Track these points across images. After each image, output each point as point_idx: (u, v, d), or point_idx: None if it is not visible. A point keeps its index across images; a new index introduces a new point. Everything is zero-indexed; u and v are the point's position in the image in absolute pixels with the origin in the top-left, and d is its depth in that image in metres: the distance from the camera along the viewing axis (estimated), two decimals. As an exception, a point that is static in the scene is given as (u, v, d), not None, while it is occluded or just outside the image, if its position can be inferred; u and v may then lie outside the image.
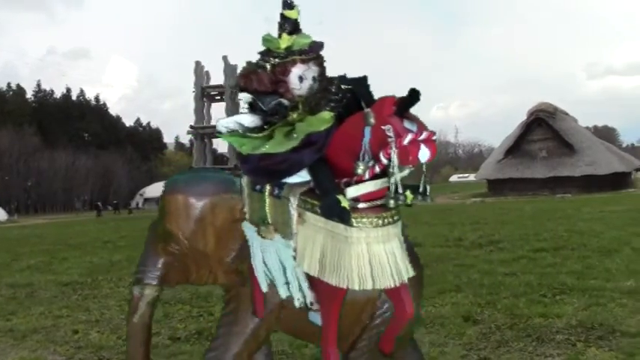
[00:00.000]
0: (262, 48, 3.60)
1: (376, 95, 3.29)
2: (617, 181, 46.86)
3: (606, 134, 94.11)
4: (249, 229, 3.85)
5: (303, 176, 3.50)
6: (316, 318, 3.81)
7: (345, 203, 3.15)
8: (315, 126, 3.32)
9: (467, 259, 12.58)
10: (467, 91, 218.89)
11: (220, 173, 4.12)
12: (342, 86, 3.41)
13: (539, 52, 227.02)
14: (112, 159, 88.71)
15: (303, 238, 3.50)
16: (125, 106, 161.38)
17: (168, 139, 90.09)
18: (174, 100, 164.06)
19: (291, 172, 3.48)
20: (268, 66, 3.51)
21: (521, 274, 10.23)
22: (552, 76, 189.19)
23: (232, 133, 3.61)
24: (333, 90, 3.42)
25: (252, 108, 3.62)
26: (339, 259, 3.28)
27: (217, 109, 70.17)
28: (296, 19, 3.60)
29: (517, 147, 48.43)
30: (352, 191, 3.21)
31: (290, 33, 3.54)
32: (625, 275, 9.64)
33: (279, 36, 3.56)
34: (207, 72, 68.77)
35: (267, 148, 3.38)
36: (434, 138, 3.05)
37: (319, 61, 3.58)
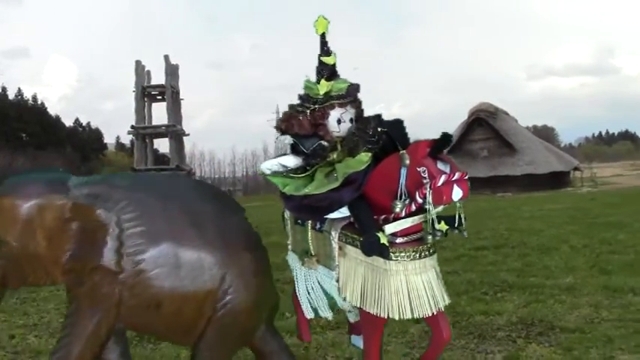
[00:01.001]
0: (302, 92, 3.86)
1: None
2: (556, 180, 47.94)
3: (546, 134, 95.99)
4: (293, 260, 4.27)
5: (343, 212, 3.72)
6: (358, 341, 4.04)
7: (384, 240, 3.41)
8: (353, 167, 3.53)
9: (411, 258, 12.63)
10: (409, 92, 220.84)
11: (51, 174, 4.14)
12: (379, 129, 3.62)
13: (480, 53, 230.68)
14: (51, 160, 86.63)
15: (344, 269, 3.75)
16: (65, 106, 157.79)
17: (109, 139, 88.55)
18: (115, 100, 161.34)
19: (332, 210, 3.71)
20: (308, 111, 3.75)
21: (463, 272, 10.41)
22: (493, 76, 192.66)
23: (276, 173, 3.86)
24: (370, 132, 3.62)
25: (294, 150, 3.87)
26: (379, 290, 3.53)
27: (158, 109, 69.44)
28: (333, 64, 3.84)
29: (458, 147, 49.03)
30: (391, 228, 3.46)
31: (328, 78, 3.77)
32: (563, 272, 9.92)
33: (318, 81, 3.78)
34: (148, 71, 67.87)
35: (310, 189, 3.64)
36: (466, 177, 3.31)
37: (356, 104, 3.82)
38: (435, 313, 3.56)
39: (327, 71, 3.83)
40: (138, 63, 66.62)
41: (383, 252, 3.43)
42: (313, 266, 4.01)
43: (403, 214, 3.41)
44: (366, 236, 3.48)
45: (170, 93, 66.43)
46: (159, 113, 69.30)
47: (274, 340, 4.41)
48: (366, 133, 3.63)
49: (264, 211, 38.79)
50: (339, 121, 3.75)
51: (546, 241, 13.91)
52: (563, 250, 12.39)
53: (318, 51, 3.92)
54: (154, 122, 68.54)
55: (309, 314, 4.24)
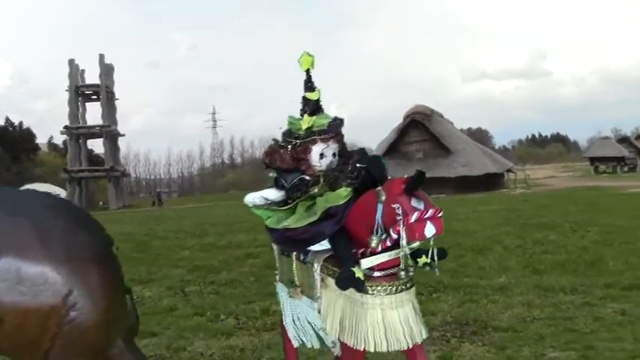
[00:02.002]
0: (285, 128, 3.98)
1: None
2: (490, 181, 48.90)
3: (480, 136, 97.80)
4: (281, 290, 4.36)
5: (325, 244, 3.79)
6: None
7: (359, 274, 3.46)
8: (332, 202, 3.61)
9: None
10: (345, 94, 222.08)
11: None
12: (358, 165, 3.72)
13: (416, 56, 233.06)
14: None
15: (326, 301, 3.81)
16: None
17: (41, 139, 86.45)
18: (49, 100, 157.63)
19: (313, 242, 3.79)
20: (289, 146, 3.86)
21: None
22: (429, 79, 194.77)
23: (258, 206, 3.96)
24: (349, 168, 3.73)
25: (277, 183, 3.99)
26: (356, 322, 3.58)
27: (93, 109, 68.42)
28: (317, 100, 3.97)
29: (394, 149, 49.54)
30: (367, 262, 3.50)
31: (311, 113, 3.88)
32: (497, 272, 10.15)
33: (302, 116, 3.91)
34: (82, 70, 66.90)
35: (289, 222, 3.73)
36: (440, 215, 3.35)
37: (338, 138, 3.92)
38: (411, 347, 3.60)
39: (310, 107, 3.94)
40: (71, 62, 65.56)
41: (358, 286, 3.48)
42: (297, 297, 4.08)
43: (379, 248, 3.46)
44: (342, 270, 3.55)
45: (105, 93, 65.61)
46: (93, 113, 68.38)
47: (132, 356, 4.34)
48: (347, 170, 3.72)
49: (199, 213, 38.59)
50: (321, 156, 3.84)
51: (480, 242, 14.19)
52: (497, 250, 12.66)
53: (298, 87, 4.06)
54: (88, 122, 67.58)
55: (296, 342, 4.29)
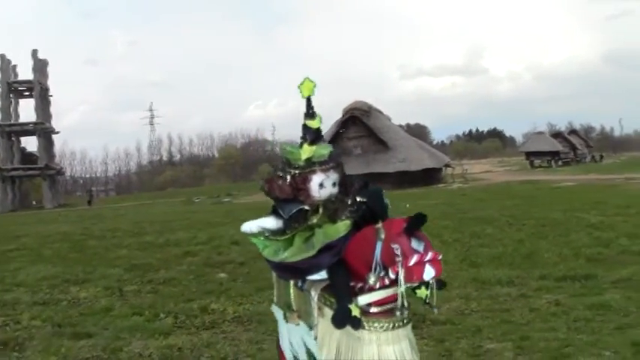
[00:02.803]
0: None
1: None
2: (429, 176, 49.51)
3: (418, 132, 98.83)
4: (277, 312, 4.26)
5: (323, 275, 3.71)
6: None
7: (355, 312, 3.42)
8: (330, 237, 3.54)
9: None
10: (285, 90, 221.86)
11: None
12: (358, 198, 3.63)
13: (355, 52, 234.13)
14: None
15: (322, 329, 3.73)
16: None
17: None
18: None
19: (311, 273, 3.72)
20: (288, 177, 3.79)
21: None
22: (367, 75, 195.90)
23: (256, 234, 3.88)
24: (349, 202, 3.66)
25: (275, 212, 3.88)
26: (352, 356, 3.53)
27: (26, 106, 66.86)
28: (317, 128, 3.89)
29: (333, 144, 49.58)
30: (363, 299, 3.45)
31: (311, 143, 3.81)
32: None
33: (301, 145, 3.83)
34: (14, 66, 65.30)
35: (286, 255, 3.65)
36: (439, 258, 3.27)
37: (339, 169, 3.85)
38: None
39: (310, 135, 3.86)
40: (2, 57, 63.89)
41: (354, 324, 3.45)
42: (294, 321, 4.02)
43: (377, 286, 3.41)
44: (338, 307, 3.52)
45: (38, 89, 64.15)
46: (26, 110, 66.81)
47: None
48: (346, 204, 3.68)
49: (137, 211, 38.08)
50: (320, 186, 3.76)
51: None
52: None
53: (302, 113, 3.98)
54: (21, 119, 66.08)
55: None
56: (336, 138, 50.38)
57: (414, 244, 3.27)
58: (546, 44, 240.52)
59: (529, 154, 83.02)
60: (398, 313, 3.47)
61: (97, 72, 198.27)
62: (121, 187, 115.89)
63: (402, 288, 3.30)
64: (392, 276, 3.28)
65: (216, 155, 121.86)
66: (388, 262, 3.30)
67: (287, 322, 4.12)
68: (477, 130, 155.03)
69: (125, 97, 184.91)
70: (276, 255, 3.73)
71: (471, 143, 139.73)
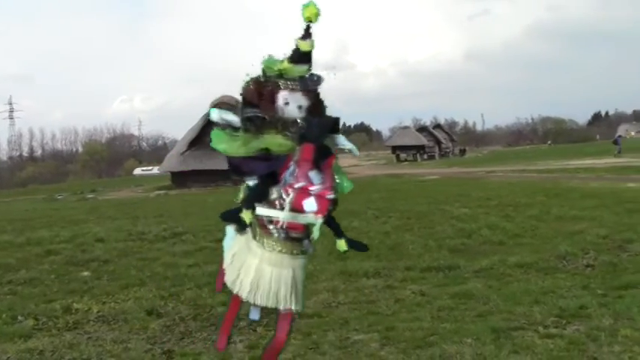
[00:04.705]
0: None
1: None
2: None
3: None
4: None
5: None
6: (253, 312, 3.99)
7: (246, 216, 3.49)
8: (267, 145, 3.57)
9: (150, 252, 12.64)
10: (152, 84, 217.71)
11: None
12: (300, 122, 3.63)
13: (222, 46, 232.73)
14: None
15: (236, 235, 3.79)
16: None
17: None
18: None
19: (248, 176, 3.77)
20: (252, 80, 3.82)
21: (204, 264, 10.52)
22: (235, 69, 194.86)
23: (217, 125, 3.94)
24: (292, 124, 3.63)
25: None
26: (239, 262, 3.66)
27: None
28: (307, 52, 3.82)
29: (200, 139, 49.18)
30: (260, 210, 3.52)
31: (293, 61, 3.78)
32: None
33: (287, 61, 3.79)
34: None
35: (224, 147, 3.75)
36: (329, 196, 3.34)
37: (310, 95, 3.78)
38: (280, 311, 3.65)
39: (296, 55, 3.83)
40: None
41: (239, 226, 3.56)
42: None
43: (277, 204, 3.46)
44: (235, 207, 3.63)
45: None
46: None
47: None
48: (288, 123, 3.66)
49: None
50: (286, 104, 3.73)
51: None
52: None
53: None
54: None
55: (225, 264, 4.11)
56: (202, 132, 49.89)
57: (312, 173, 3.38)
58: (411, 41, 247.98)
59: (395, 148, 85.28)
60: (275, 233, 3.54)
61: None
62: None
63: (286, 212, 3.40)
64: (283, 196, 3.39)
65: (81, 150, 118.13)
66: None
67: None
68: (345, 125, 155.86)
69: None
70: (216, 145, 3.81)
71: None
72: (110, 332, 6.90)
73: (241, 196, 4.22)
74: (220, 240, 11.46)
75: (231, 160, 3.80)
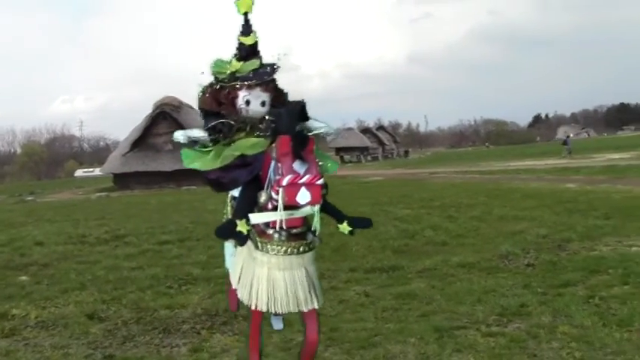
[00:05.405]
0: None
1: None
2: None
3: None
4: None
5: None
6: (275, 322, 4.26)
7: (242, 227, 3.36)
8: (240, 151, 3.50)
9: (91, 255, 12.44)
10: (94, 84, 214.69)
11: None
12: (267, 117, 3.59)
13: (166, 46, 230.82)
14: None
15: (237, 248, 3.71)
16: None
17: None
18: None
19: (230, 188, 3.71)
20: (209, 89, 3.79)
21: (148, 267, 10.44)
22: (179, 70, 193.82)
23: (184, 145, 3.82)
24: (260, 121, 3.62)
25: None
26: (248, 276, 3.60)
27: None
28: (252, 45, 3.80)
29: (143, 140, 48.64)
30: (254, 217, 3.43)
31: (242, 59, 3.75)
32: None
33: (231, 61, 3.79)
34: None
35: (198, 164, 3.66)
36: (318, 182, 3.27)
37: (269, 87, 3.76)
38: (304, 312, 3.63)
39: (243, 51, 3.81)
40: None
41: (238, 239, 3.42)
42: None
43: (270, 206, 3.40)
44: (228, 220, 3.51)
45: None
46: None
47: None
48: (257, 121, 3.64)
49: None
50: (247, 103, 3.70)
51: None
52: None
53: None
54: None
55: (234, 284, 4.00)
56: (146, 133, 49.34)
57: (297, 164, 3.31)
58: (355, 44, 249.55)
59: (339, 150, 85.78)
60: (276, 235, 3.49)
61: None
62: None
63: (280, 211, 3.34)
64: (274, 196, 3.33)
65: (19, 151, 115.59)
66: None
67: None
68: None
69: None
70: (190, 164, 3.72)
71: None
72: (49, 338, 6.75)
73: (229, 209, 4.17)
74: (164, 242, 11.46)
75: (208, 175, 3.70)
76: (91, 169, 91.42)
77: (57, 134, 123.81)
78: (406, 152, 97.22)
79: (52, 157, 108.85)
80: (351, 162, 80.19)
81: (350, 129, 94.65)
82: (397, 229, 13.71)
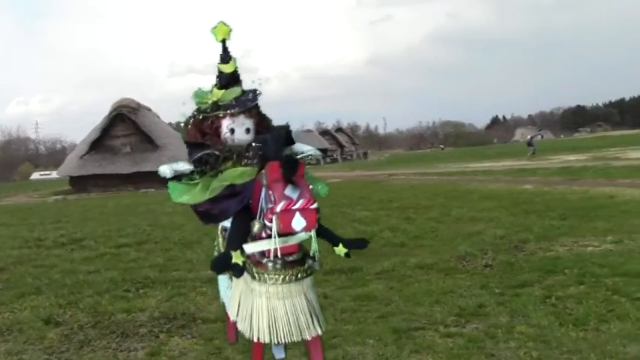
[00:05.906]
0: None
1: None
2: (200, 174, 49.36)
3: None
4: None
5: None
6: (277, 351, 4.01)
7: (237, 259, 3.31)
8: (227, 180, 3.45)
9: (48, 259, 12.26)
10: (50, 86, 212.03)
11: None
12: (253, 144, 3.53)
13: (122, 49, 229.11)
14: None
15: (234, 280, 3.70)
16: None
17: None
18: None
19: (221, 219, 3.64)
20: (191, 120, 3.75)
21: (105, 270, 10.33)
22: (136, 73, 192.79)
23: (169, 178, 3.72)
24: (246, 149, 3.56)
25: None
26: (245, 308, 3.56)
27: None
28: (231, 73, 3.79)
29: (100, 142, 48.16)
30: (248, 247, 3.38)
31: (223, 87, 3.72)
32: (206, 265, 10.20)
33: (212, 90, 3.75)
34: None
35: (186, 198, 3.58)
36: (312, 207, 3.21)
37: (252, 114, 3.72)
38: (308, 341, 3.60)
39: (223, 80, 3.80)
40: None
41: (234, 271, 3.38)
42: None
43: (264, 234, 3.35)
44: (222, 252, 3.48)
45: None
46: None
47: None
48: (243, 148, 3.59)
49: None
50: (232, 131, 3.66)
51: (188, 235, 14.39)
52: (205, 243, 12.81)
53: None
54: None
55: (232, 317, 3.89)
56: (103, 136, 48.83)
57: (288, 190, 3.26)
58: (315, 46, 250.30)
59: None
60: (270, 264, 3.47)
61: None
62: None
63: (275, 238, 3.28)
64: (267, 224, 3.27)
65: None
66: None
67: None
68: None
69: None
70: (178, 198, 3.65)
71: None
72: (4, 344, 6.64)
73: (220, 240, 4.13)
74: (121, 245, 11.39)
75: (197, 208, 3.65)
76: (47, 172, 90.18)
77: (12, 136, 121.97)
78: (365, 154, 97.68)
79: (7, 160, 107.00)
80: (309, 164, 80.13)
81: (309, 131, 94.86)
82: (356, 230, 13.78)
